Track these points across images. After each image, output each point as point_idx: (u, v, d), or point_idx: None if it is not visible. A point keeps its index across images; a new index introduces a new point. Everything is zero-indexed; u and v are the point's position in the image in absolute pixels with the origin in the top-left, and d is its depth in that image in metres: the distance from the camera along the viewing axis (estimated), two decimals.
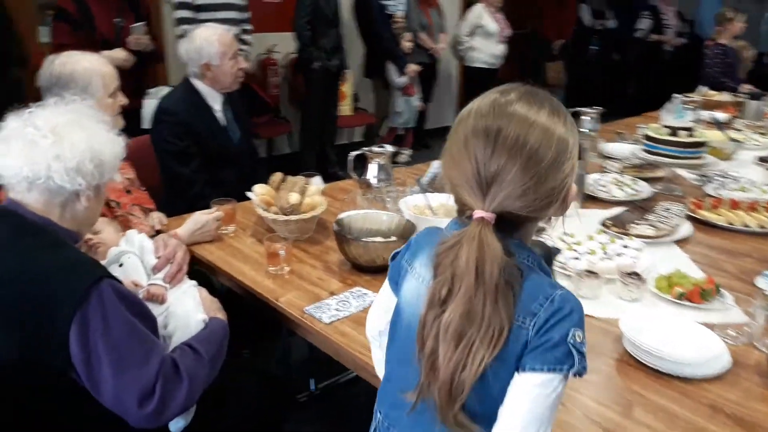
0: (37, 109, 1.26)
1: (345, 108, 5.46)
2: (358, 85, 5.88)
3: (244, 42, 4.42)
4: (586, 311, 0.96)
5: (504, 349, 0.89)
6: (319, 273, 1.82)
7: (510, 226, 0.94)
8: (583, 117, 3.43)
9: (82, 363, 1.15)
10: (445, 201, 2.20)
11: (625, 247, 1.95)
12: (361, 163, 2.44)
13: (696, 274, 1.84)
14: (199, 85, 2.63)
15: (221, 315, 1.52)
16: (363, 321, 1.29)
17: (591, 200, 2.51)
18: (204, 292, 1.58)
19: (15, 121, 1.24)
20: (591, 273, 1.74)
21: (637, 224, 2.16)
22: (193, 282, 1.59)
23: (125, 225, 1.95)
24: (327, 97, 4.99)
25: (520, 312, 0.91)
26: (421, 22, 5.76)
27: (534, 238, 1.06)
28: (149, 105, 3.42)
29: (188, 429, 1.40)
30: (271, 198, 2.04)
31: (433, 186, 2.51)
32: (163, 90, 3.39)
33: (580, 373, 0.91)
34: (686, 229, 2.20)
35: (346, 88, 5.42)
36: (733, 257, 2.01)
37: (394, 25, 5.41)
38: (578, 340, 0.91)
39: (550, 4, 7.10)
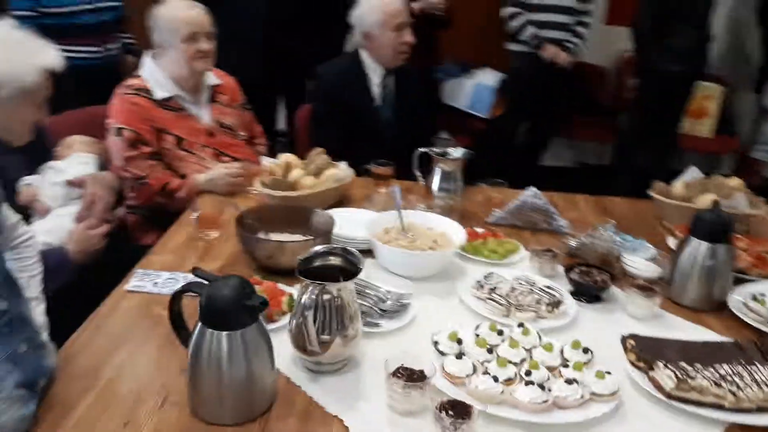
0: None
1: (702, 128, 4.38)
2: (742, 105, 4.60)
3: (576, 34, 4.00)
4: None
5: None
6: (233, 251, 1.69)
7: None
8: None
9: None
10: (436, 225, 1.72)
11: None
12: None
13: None
14: (364, 55, 2.60)
15: (74, 253, 1.62)
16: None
17: None
18: (82, 229, 1.68)
19: None
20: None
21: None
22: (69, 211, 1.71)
23: (176, 160, 2.17)
24: (664, 108, 4.09)
25: None
26: None
27: None
28: None
29: None
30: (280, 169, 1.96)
31: (520, 217, 1.97)
32: None
33: None
34: None
35: (710, 103, 4.32)
36: None
37: None
38: None
39: None
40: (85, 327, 1.35)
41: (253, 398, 1.12)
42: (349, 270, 1.23)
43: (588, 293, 1.59)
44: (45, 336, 1.19)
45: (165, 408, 1.13)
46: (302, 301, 1.17)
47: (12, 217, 1.25)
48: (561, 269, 1.67)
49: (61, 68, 1.72)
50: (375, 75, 2.60)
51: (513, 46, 4.08)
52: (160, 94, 2.16)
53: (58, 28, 2.82)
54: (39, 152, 1.79)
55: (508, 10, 3.96)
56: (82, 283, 1.64)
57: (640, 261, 1.72)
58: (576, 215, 2.10)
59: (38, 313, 1.22)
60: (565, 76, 4.15)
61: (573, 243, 1.81)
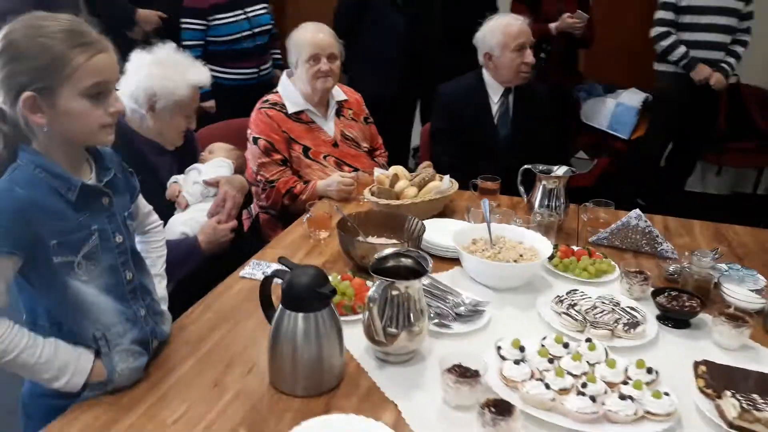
0: None
1: None
2: None
3: (732, 54, 3.77)
4: None
5: None
6: (337, 250, 1.86)
7: None
8: None
9: None
10: (526, 240, 1.77)
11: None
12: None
13: None
14: (485, 74, 2.69)
15: (204, 244, 1.87)
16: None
17: None
18: (213, 223, 1.93)
19: None
20: None
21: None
22: (205, 207, 1.96)
23: (303, 167, 2.42)
24: None
25: None
26: None
27: None
28: None
29: None
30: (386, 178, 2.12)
31: (622, 239, 1.96)
32: None
33: None
34: None
35: None
36: None
37: None
38: None
39: None
40: (200, 303, 1.59)
41: (322, 375, 1.26)
42: (418, 271, 1.34)
43: (673, 318, 1.55)
44: (163, 306, 1.44)
45: (249, 376, 1.32)
46: (372, 295, 1.30)
47: (146, 206, 1.52)
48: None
49: (209, 84, 2.02)
50: (495, 94, 2.68)
51: (661, 66, 3.92)
52: (292, 108, 2.42)
53: (222, 54, 3.26)
54: (187, 155, 2.09)
55: (657, 29, 3.82)
56: (212, 270, 1.90)
57: (742, 291, 1.64)
58: (687, 241, 2.03)
59: (160, 287, 1.46)
60: (717, 99, 3.92)
61: (671, 268, 1.77)
